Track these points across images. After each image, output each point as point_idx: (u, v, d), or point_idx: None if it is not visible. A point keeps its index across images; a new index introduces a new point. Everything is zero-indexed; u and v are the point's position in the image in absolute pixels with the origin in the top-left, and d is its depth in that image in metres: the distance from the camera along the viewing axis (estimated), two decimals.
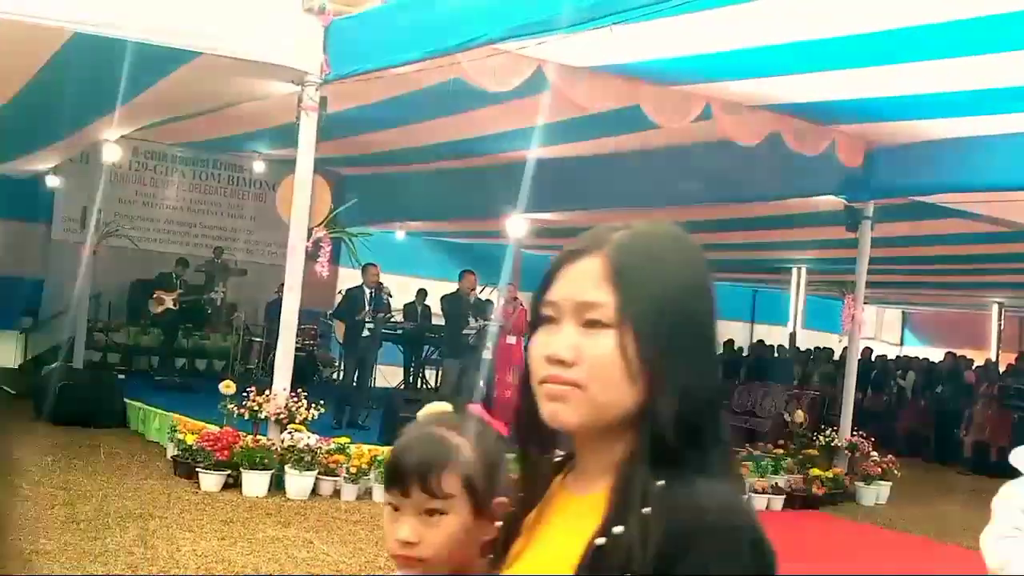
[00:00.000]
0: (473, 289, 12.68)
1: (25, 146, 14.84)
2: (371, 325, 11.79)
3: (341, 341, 13.12)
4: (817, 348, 21.52)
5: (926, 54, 7.85)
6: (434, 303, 15.38)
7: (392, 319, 13.57)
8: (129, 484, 8.52)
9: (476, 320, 12.76)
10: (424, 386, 15.61)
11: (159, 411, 11.28)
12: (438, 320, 14.74)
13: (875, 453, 12.41)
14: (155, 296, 15.22)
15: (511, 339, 12.94)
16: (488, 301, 14.81)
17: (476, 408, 1.69)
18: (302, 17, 8.87)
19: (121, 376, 14.41)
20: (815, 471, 11.65)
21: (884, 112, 9.82)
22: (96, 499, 7.75)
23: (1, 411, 12.26)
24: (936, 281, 20.11)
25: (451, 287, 13.72)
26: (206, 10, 8.42)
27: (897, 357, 23.39)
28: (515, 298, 12.96)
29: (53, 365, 13.74)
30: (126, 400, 12.27)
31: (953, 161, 10.53)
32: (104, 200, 15.28)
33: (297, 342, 10.31)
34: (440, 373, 13.63)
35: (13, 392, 13.93)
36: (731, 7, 6.98)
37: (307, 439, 8.85)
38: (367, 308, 11.76)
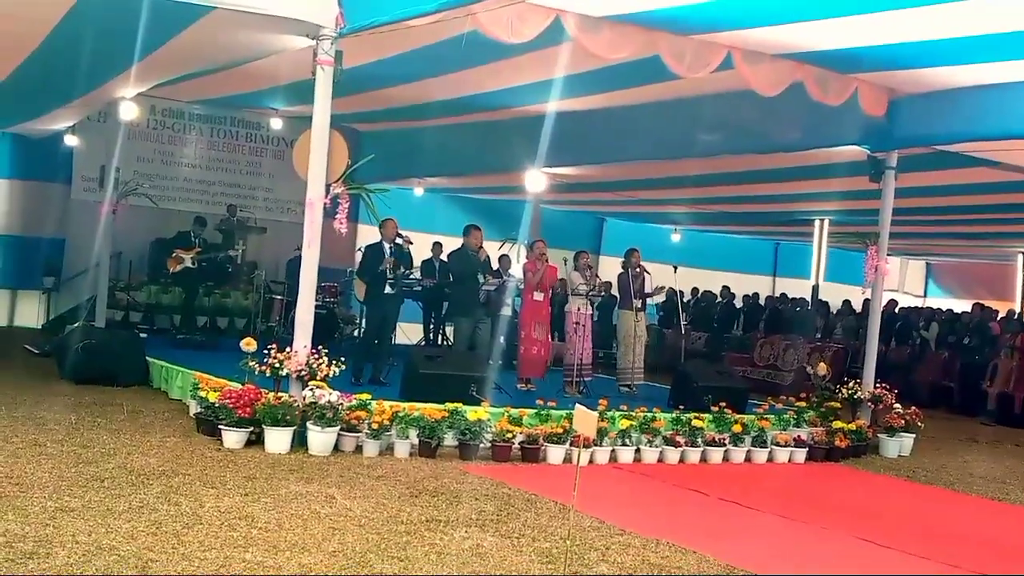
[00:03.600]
0: (480, 245, 12.52)
1: (43, 106, 14.82)
2: (392, 280, 11.72)
3: (361, 299, 13.08)
4: (843, 301, 21.41)
5: None
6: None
7: (412, 274, 13.46)
8: (152, 442, 8.56)
9: (485, 277, 12.61)
10: (444, 342, 15.62)
11: (181, 369, 11.32)
12: None
13: (898, 405, 12.35)
14: (173, 255, 15.24)
15: (538, 295, 12.81)
16: (504, 257, 14.73)
17: None
18: None
19: (143, 335, 14.47)
20: (838, 423, 11.60)
21: (907, 59, 9.65)
22: (120, 457, 7.79)
23: (25, 371, 12.34)
24: (960, 232, 19.92)
25: None
26: None
27: (920, 309, 23.22)
28: (543, 254, 12.81)
29: (75, 324, 13.81)
30: (148, 358, 12.31)
31: (978, 109, 10.36)
32: (122, 159, 15.31)
33: (318, 299, 10.29)
34: (453, 331, 13.53)
35: (36, 352, 14.01)
36: None
37: (328, 396, 8.86)
38: (388, 263, 11.68)
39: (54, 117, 15.64)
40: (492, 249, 13.54)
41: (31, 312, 17.87)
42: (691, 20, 8.80)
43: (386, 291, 11.74)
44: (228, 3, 8.39)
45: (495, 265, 13.81)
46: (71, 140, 17.15)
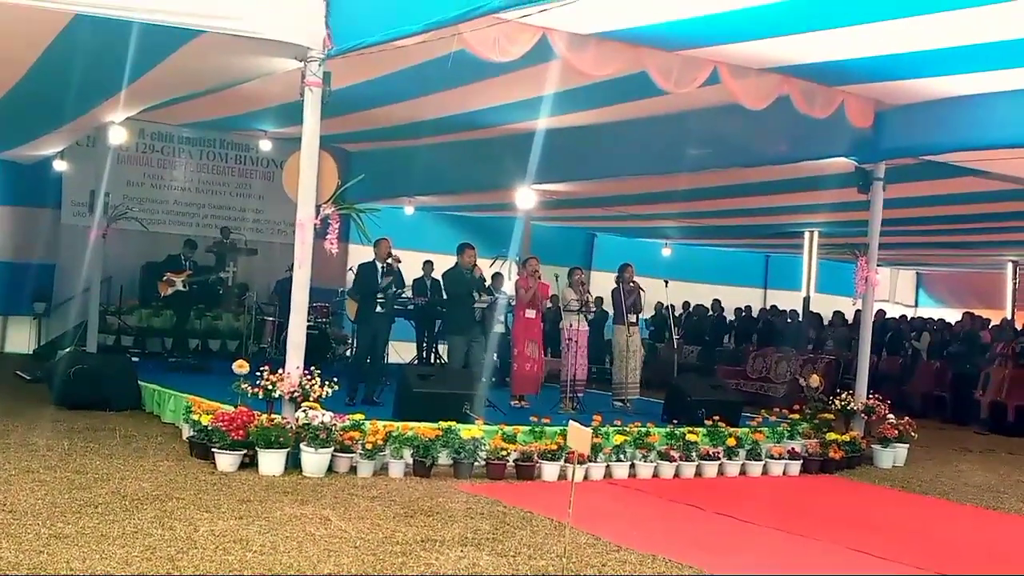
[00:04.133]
0: (474, 263, 12.53)
1: (32, 131, 14.82)
2: (383, 300, 11.72)
3: (353, 319, 13.07)
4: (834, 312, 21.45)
5: (935, 6, 7.72)
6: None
7: (403, 294, 13.46)
8: (146, 466, 8.53)
9: (479, 295, 12.60)
10: (437, 361, 15.61)
11: (174, 392, 11.30)
12: None
13: (891, 415, 12.36)
14: (164, 278, 15.22)
15: (531, 312, 12.79)
16: (497, 274, 14.72)
17: None
18: None
19: (135, 359, 14.43)
20: (831, 435, 11.61)
21: (893, 71, 9.71)
22: (113, 482, 7.76)
23: (17, 397, 12.30)
24: (950, 241, 19.99)
25: None
26: None
27: (911, 318, 23.28)
28: (536, 271, 12.80)
29: (67, 350, 13.76)
30: (140, 382, 12.29)
31: (963, 119, 10.42)
32: (112, 183, 15.33)
33: (309, 320, 10.26)
34: (447, 350, 13.53)
35: (28, 378, 13.96)
36: None
37: (322, 417, 8.84)
38: (381, 282, 11.69)
39: (43, 142, 15.63)
40: (483, 266, 13.54)
41: (22, 338, 17.84)
42: (677, 36, 8.85)
43: (377, 310, 11.74)
44: (216, 27, 8.41)
45: (489, 283, 13.82)
46: (60, 165, 17.16)
